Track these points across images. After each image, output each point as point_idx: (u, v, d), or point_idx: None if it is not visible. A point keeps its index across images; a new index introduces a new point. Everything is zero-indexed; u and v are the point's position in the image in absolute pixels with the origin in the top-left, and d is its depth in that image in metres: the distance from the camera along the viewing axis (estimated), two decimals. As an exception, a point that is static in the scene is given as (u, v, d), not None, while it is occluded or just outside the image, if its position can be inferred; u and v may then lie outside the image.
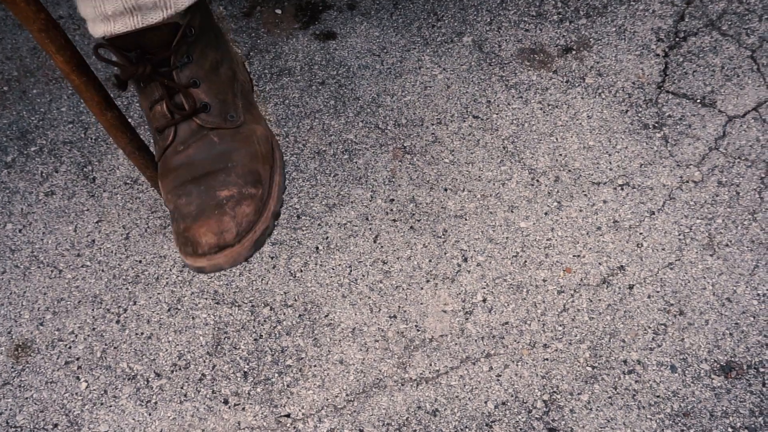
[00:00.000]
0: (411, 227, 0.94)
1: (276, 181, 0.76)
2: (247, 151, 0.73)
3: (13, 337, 0.92)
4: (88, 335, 0.91)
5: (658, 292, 0.86)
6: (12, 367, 0.90)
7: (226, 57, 0.77)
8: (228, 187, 0.70)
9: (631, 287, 0.87)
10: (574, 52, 1.06)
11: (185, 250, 0.69)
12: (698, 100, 0.99)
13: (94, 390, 0.87)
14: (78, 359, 0.90)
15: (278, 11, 1.18)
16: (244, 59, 0.84)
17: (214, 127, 0.73)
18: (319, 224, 0.96)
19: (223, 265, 0.69)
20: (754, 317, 0.83)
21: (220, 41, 0.77)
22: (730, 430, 0.77)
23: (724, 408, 0.79)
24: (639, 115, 0.99)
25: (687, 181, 0.93)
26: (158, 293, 0.93)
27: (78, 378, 0.88)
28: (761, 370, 0.80)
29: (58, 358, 0.90)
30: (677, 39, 1.05)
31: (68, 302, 0.94)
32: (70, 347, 0.91)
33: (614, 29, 1.07)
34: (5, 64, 1.19)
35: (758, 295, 0.85)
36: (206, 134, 0.73)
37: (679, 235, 0.90)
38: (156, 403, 0.86)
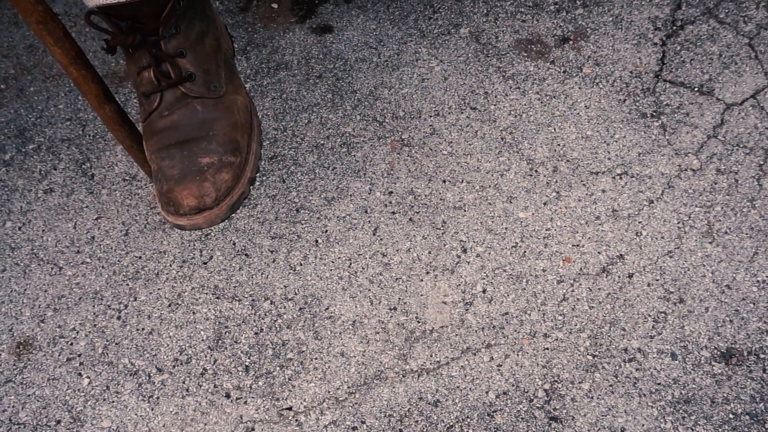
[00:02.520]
0: (410, 219, 0.94)
1: (253, 149, 0.83)
2: (228, 120, 0.79)
3: (15, 334, 0.92)
4: (90, 331, 0.91)
5: (657, 280, 0.86)
6: (14, 365, 0.90)
7: (211, 27, 0.81)
8: (209, 154, 0.76)
9: (630, 276, 0.87)
10: (571, 42, 1.06)
11: (167, 209, 0.75)
12: (696, 89, 0.99)
13: (97, 386, 0.87)
14: (80, 356, 0.90)
15: (274, 5, 1.17)
16: (226, 26, 0.88)
17: (198, 96, 0.78)
18: (318, 218, 0.96)
19: (201, 225, 0.76)
20: (754, 304, 0.84)
21: (206, 11, 0.81)
22: (731, 416, 0.77)
23: (725, 394, 0.79)
24: (637, 104, 0.99)
25: (685, 170, 0.93)
26: (158, 289, 0.93)
27: (80, 374, 0.89)
28: (761, 356, 0.80)
29: (59, 355, 0.90)
30: (674, 27, 1.05)
31: (69, 299, 0.94)
32: (71, 344, 0.91)
33: (611, 19, 1.07)
34: (2, 62, 1.18)
35: (758, 281, 0.85)
36: (190, 102, 0.78)
37: (678, 223, 0.90)
38: (158, 398, 0.86)
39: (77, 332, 0.92)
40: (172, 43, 0.75)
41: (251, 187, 0.82)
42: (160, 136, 0.77)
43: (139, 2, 0.70)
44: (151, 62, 0.75)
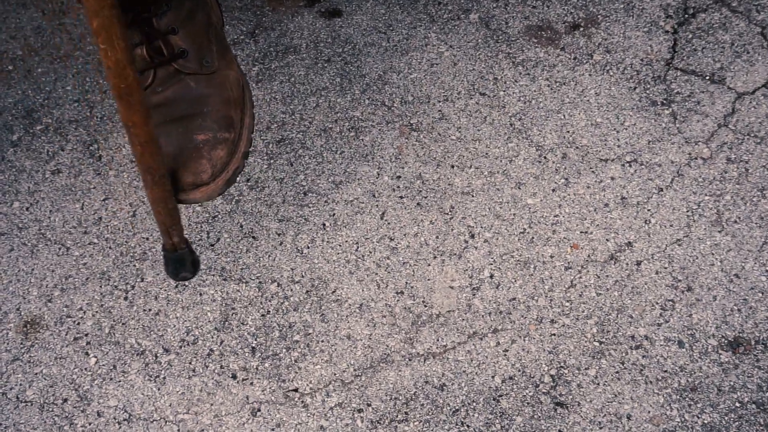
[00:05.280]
0: (418, 204, 0.94)
1: (246, 124, 0.86)
2: (221, 96, 0.81)
3: (22, 313, 0.92)
4: (97, 311, 0.92)
5: (666, 268, 0.86)
6: (21, 343, 0.90)
7: (200, 2, 0.82)
8: (204, 131, 0.79)
9: (638, 263, 0.87)
10: (581, 29, 1.05)
11: None
12: (707, 77, 0.99)
13: (103, 365, 0.88)
14: (87, 335, 0.90)
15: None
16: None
17: (191, 72, 0.80)
18: (325, 201, 0.96)
19: (199, 199, 0.80)
20: (762, 293, 0.83)
21: None
22: (737, 404, 0.77)
23: (732, 383, 0.79)
24: (647, 92, 0.99)
25: (695, 158, 0.93)
26: (166, 270, 0.93)
27: (87, 353, 0.89)
28: (769, 345, 0.80)
29: (66, 334, 0.90)
30: (686, 15, 1.04)
31: (76, 279, 0.94)
32: (78, 323, 0.91)
33: (622, 6, 1.06)
34: (9, 44, 1.18)
35: (767, 271, 0.85)
36: (183, 78, 0.80)
37: (688, 211, 0.89)
38: (164, 378, 0.86)
39: (84, 312, 0.92)
40: (163, 20, 0.77)
41: (245, 161, 0.84)
42: (154, 112, 0.79)
43: None
44: (143, 40, 0.77)
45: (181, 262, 0.85)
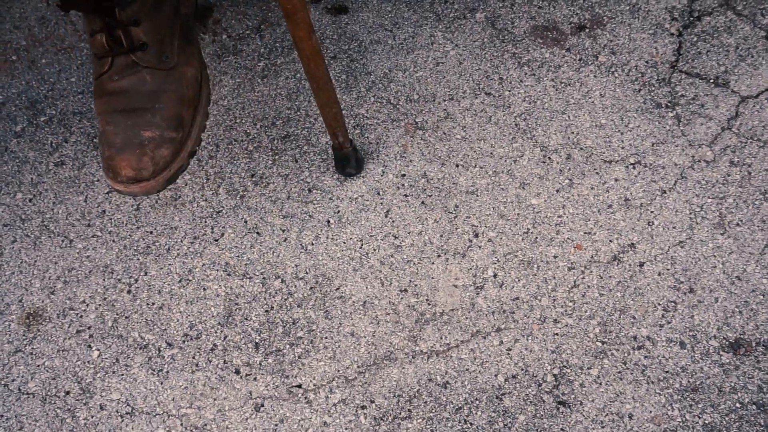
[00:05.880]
0: (422, 202, 0.94)
1: (197, 122, 0.85)
2: (175, 93, 0.80)
3: (25, 305, 0.92)
4: (100, 304, 0.92)
5: (668, 269, 0.87)
6: (23, 335, 0.90)
7: None
8: (152, 128, 0.78)
9: (641, 265, 0.87)
10: (587, 30, 1.05)
11: (108, 174, 0.78)
12: (711, 80, 0.99)
13: (106, 358, 0.88)
14: (89, 328, 0.90)
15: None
16: None
17: (149, 66, 0.79)
18: (330, 198, 0.96)
19: (137, 193, 0.79)
20: (763, 296, 0.84)
21: None
22: (738, 405, 0.78)
23: (733, 384, 0.79)
24: (652, 94, 0.99)
25: (699, 161, 0.94)
26: (169, 264, 0.93)
27: (90, 346, 0.89)
28: (770, 347, 0.81)
29: (69, 327, 0.90)
30: (691, 18, 1.05)
31: (79, 272, 0.94)
32: (81, 316, 0.91)
33: (628, 8, 1.07)
34: (14, 34, 1.18)
35: (768, 274, 0.85)
36: (140, 71, 0.79)
37: (690, 213, 0.90)
38: (168, 372, 0.86)
39: (87, 305, 0.92)
40: (127, 11, 0.76)
41: (191, 159, 0.84)
42: (108, 99, 0.79)
43: None
44: (103, 28, 0.76)
45: (346, 159, 0.93)
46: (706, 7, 1.05)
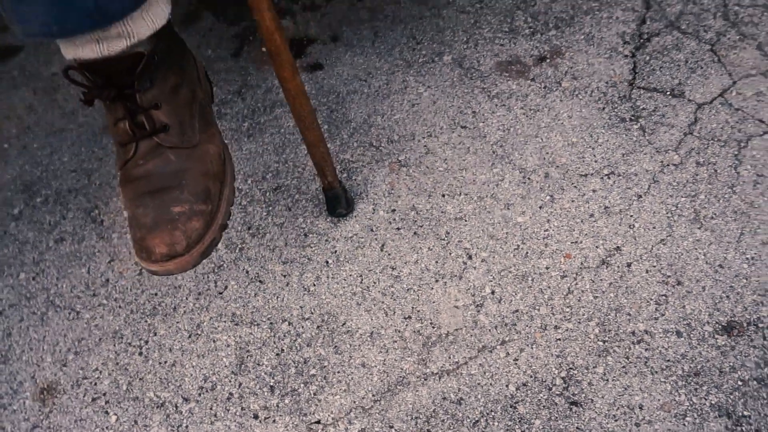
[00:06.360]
0: (414, 233, 0.99)
1: (225, 196, 0.85)
2: (200, 169, 0.82)
3: (37, 381, 0.93)
4: (112, 370, 0.93)
5: (654, 266, 0.91)
6: (39, 410, 0.91)
7: (186, 78, 0.85)
8: (181, 203, 0.79)
9: (629, 265, 0.92)
10: (548, 60, 1.13)
11: (141, 255, 0.78)
12: (668, 92, 1.07)
13: (125, 422, 0.89)
14: (105, 394, 0.91)
15: (264, 49, 1.24)
16: (204, 67, 0.93)
17: (172, 146, 0.81)
18: (326, 240, 1.00)
19: (173, 271, 0.78)
20: (746, 279, 0.89)
21: (183, 61, 0.85)
22: (739, 383, 0.81)
23: (731, 363, 0.83)
24: (615, 110, 1.06)
25: (668, 165, 1.00)
26: (177, 322, 0.96)
27: (107, 413, 0.90)
28: (760, 325, 0.85)
29: (84, 396, 0.91)
30: (642, 40, 1.13)
31: (89, 341, 0.96)
32: (95, 384, 0.92)
33: (583, 37, 1.15)
34: (3, 123, 1.23)
35: (747, 258, 0.90)
36: (164, 152, 0.81)
37: (667, 213, 0.95)
38: (187, 426, 0.87)
39: (100, 372, 0.93)
40: (146, 96, 0.79)
41: (223, 232, 0.85)
42: (135, 185, 0.80)
43: (112, 58, 0.74)
44: (126, 114, 0.79)
45: (337, 199, 0.96)
46: (654, 29, 1.14)
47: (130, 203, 0.81)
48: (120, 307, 0.98)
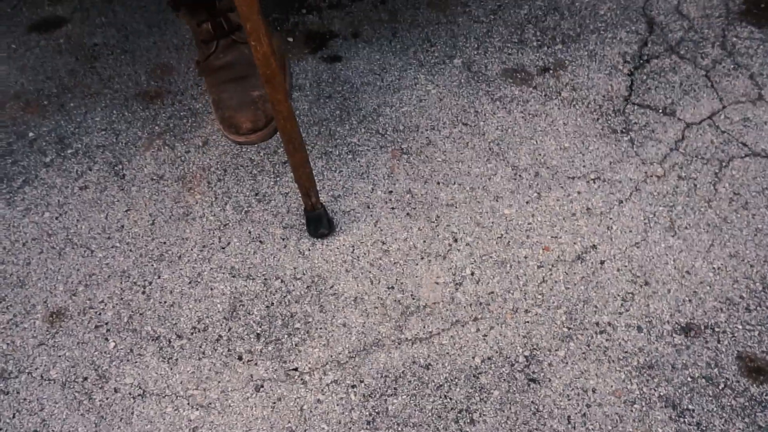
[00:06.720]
0: (408, 214, 1.06)
1: (286, 80, 1.09)
2: None
3: (49, 305, 1.02)
4: (116, 304, 1.01)
5: (626, 266, 0.98)
6: (47, 330, 0.99)
7: None
8: (257, 89, 1.05)
9: (602, 262, 0.98)
10: (551, 71, 1.21)
11: (230, 130, 1.04)
12: (660, 110, 1.14)
13: (121, 349, 0.97)
14: (107, 324, 1.00)
15: (290, 39, 1.33)
16: None
17: (245, 42, 1.04)
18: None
19: (255, 141, 1.06)
20: (710, 286, 0.94)
21: None
22: (689, 379, 0.87)
23: (684, 361, 0.89)
24: (609, 122, 1.13)
25: (651, 176, 1.06)
26: (180, 269, 1.04)
27: (107, 339, 0.98)
28: (716, 329, 0.91)
29: (88, 323, 1.00)
30: (641, 61, 1.20)
31: (99, 276, 1.04)
32: (99, 314, 1.01)
33: (586, 53, 1.22)
34: (45, 83, 1.33)
35: (714, 268, 0.96)
36: (239, 47, 1.06)
37: (645, 219, 1.02)
38: (177, 359, 0.95)
39: (105, 304, 1.02)
40: (223, 2, 1.00)
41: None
42: (217, 74, 1.04)
43: None
44: (208, 18, 1.00)
45: (319, 220, 1.03)
46: (654, 52, 1.21)
47: (215, 89, 1.04)
48: (131, 250, 1.07)
